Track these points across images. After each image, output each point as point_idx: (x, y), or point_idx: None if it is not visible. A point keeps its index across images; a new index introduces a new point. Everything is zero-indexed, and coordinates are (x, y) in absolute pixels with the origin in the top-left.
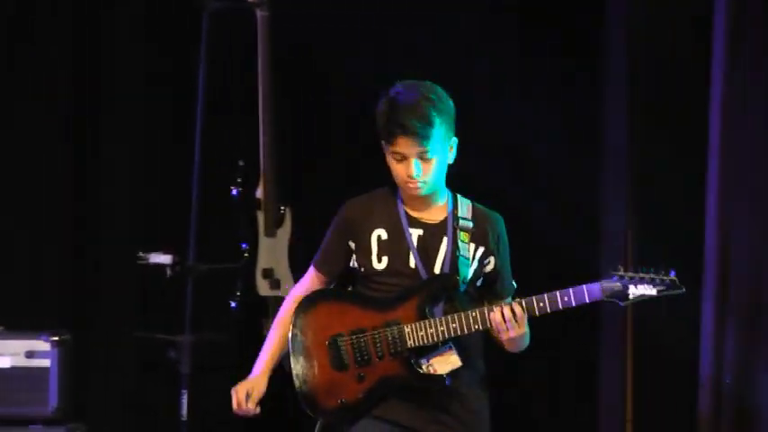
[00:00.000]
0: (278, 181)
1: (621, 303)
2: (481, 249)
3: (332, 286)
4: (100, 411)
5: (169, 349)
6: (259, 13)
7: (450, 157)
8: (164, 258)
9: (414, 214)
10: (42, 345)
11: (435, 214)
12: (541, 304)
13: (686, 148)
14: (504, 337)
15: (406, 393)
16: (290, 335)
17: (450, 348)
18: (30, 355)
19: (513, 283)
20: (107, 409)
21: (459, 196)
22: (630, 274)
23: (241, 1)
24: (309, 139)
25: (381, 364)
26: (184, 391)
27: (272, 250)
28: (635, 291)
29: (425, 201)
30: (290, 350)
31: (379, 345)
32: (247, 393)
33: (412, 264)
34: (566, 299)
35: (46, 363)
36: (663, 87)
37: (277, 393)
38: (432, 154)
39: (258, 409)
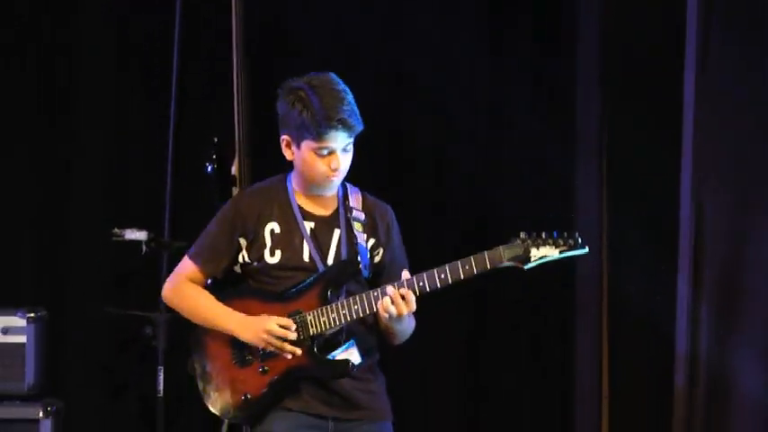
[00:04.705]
0: (253, 157)
1: (525, 267)
2: (372, 240)
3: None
4: (76, 387)
5: (145, 326)
6: None
7: None
8: (139, 234)
9: (307, 207)
10: (18, 321)
11: (327, 207)
12: (443, 275)
13: (661, 124)
14: (403, 311)
15: (311, 383)
16: (192, 336)
17: (353, 345)
18: (5, 331)
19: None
20: (83, 386)
21: (348, 185)
22: (533, 237)
23: None
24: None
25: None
26: (161, 368)
27: None
28: (536, 252)
29: (317, 195)
30: (193, 351)
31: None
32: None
33: (306, 257)
34: (467, 267)
35: (22, 339)
36: (636, 62)
37: None
38: (351, 144)
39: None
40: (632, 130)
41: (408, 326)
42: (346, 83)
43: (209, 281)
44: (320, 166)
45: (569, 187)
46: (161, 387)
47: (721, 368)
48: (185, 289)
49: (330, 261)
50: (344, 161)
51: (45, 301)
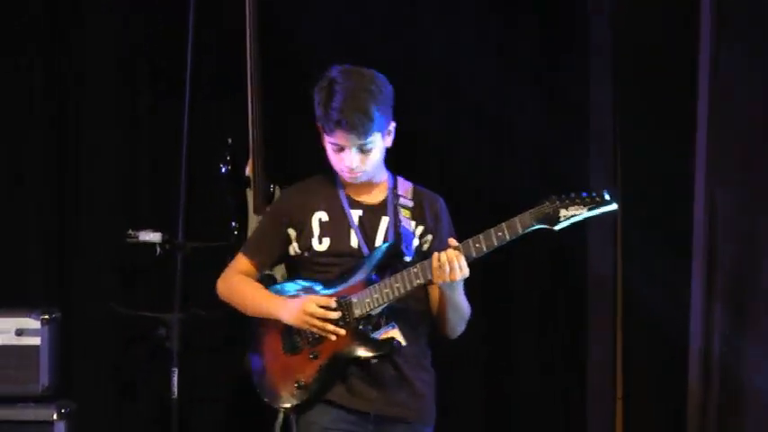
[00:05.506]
0: (267, 159)
1: (554, 227)
2: (421, 228)
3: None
4: (89, 389)
5: (159, 327)
6: None
7: (389, 141)
8: (153, 236)
9: (354, 196)
10: (32, 323)
11: (375, 195)
12: (477, 245)
13: (674, 123)
14: (447, 279)
15: (355, 377)
16: (247, 333)
17: (394, 327)
18: (20, 333)
19: None
20: (97, 388)
21: (399, 179)
22: (561, 198)
23: None
24: (298, 117)
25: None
26: (175, 369)
27: None
28: (566, 213)
29: (365, 184)
30: (247, 347)
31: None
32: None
33: (354, 243)
34: (499, 234)
35: (36, 341)
36: (649, 60)
37: None
38: (370, 145)
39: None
40: (645, 130)
41: (463, 309)
42: (320, 78)
43: (261, 274)
44: (335, 159)
45: (583, 186)
46: (175, 389)
47: (735, 368)
48: (235, 281)
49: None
50: (358, 160)
51: (59, 302)
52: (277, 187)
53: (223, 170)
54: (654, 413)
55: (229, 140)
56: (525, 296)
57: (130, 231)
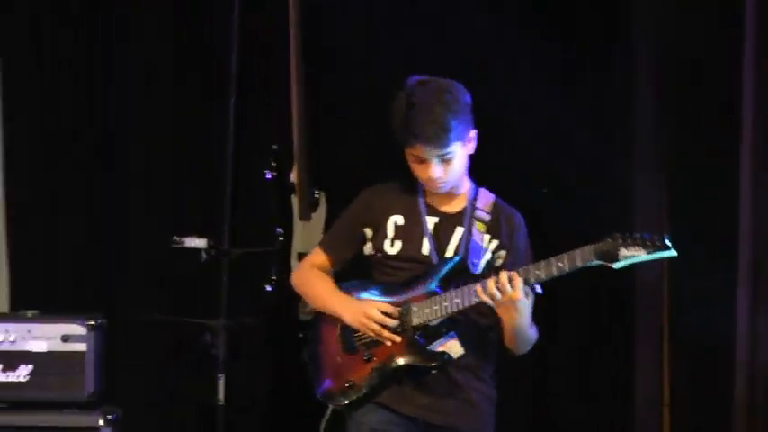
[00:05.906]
0: (312, 165)
1: (613, 265)
2: (495, 242)
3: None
4: (135, 395)
5: (204, 333)
6: None
7: (471, 148)
8: (199, 242)
9: (433, 203)
10: (78, 329)
11: (455, 205)
12: (537, 271)
13: (718, 132)
14: (502, 299)
15: (408, 382)
16: (310, 326)
17: (454, 337)
18: (65, 339)
19: (537, 287)
20: (142, 394)
21: (482, 190)
22: (624, 237)
23: None
24: (344, 124)
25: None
26: (221, 376)
27: (307, 234)
28: (625, 252)
29: (446, 193)
30: (308, 340)
31: (387, 325)
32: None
33: (425, 250)
34: (559, 264)
35: (82, 347)
36: (693, 61)
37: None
38: (451, 155)
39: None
40: (690, 133)
41: (524, 333)
42: (398, 89)
43: (336, 268)
44: (418, 171)
45: (628, 189)
46: (221, 395)
47: None
48: (308, 274)
49: (449, 255)
50: (440, 170)
51: (104, 308)
52: (322, 193)
53: (268, 176)
54: (701, 422)
55: (274, 147)
56: (572, 304)
57: (176, 237)
